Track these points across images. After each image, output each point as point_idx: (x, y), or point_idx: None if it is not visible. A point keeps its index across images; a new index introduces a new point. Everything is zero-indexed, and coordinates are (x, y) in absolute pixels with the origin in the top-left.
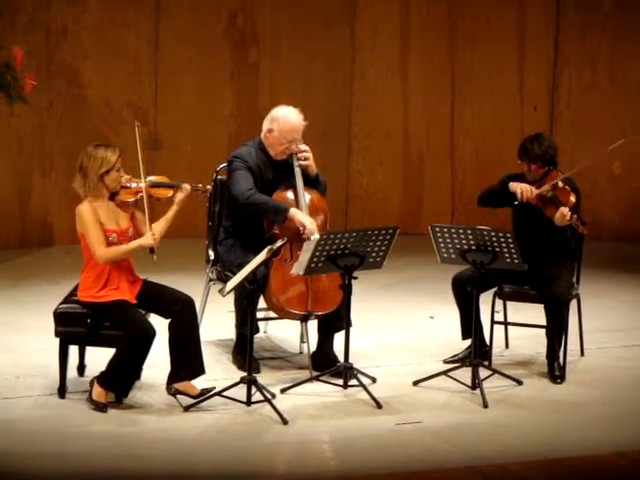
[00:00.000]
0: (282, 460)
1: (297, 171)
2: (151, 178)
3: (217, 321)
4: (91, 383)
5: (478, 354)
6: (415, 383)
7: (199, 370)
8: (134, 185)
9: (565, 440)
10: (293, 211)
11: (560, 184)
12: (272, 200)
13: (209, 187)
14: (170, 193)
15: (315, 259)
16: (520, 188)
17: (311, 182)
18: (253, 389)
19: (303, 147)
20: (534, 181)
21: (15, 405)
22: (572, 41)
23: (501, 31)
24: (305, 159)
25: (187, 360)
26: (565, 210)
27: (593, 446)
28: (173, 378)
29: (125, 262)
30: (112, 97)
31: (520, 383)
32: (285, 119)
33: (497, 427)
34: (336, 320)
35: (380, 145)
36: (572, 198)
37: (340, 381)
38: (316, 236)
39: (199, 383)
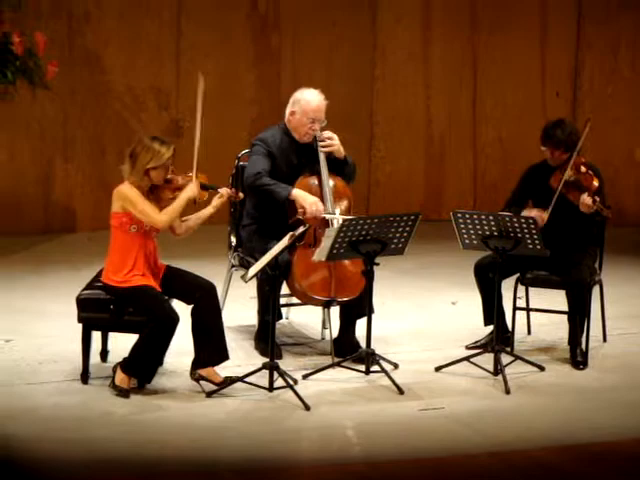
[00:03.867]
0: (304, 446)
1: (321, 157)
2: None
3: (239, 307)
4: (114, 369)
5: (500, 340)
6: (437, 369)
7: (223, 356)
8: (175, 180)
9: (587, 426)
10: (296, 192)
11: (583, 169)
12: (276, 183)
13: (241, 195)
14: (206, 196)
15: (337, 245)
16: (535, 214)
17: (339, 163)
18: (275, 375)
19: (327, 134)
20: (557, 166)
21: (38, 391)
22: (595, 27)
23: (523, 16)
24: (329, 145)
25: (211, 346)
26: (588, 199)
27: (615, 432)
28: (197, 364)
29: (151, 249)
30: (134, 83)
31: (542, 369)
32: (306, 100)
33: (519, 413)
34: (358, 306)
35: (402, 131)
36: (595, 182)
37: (362, 367)
38: (340, 220)
39: (222, 368)
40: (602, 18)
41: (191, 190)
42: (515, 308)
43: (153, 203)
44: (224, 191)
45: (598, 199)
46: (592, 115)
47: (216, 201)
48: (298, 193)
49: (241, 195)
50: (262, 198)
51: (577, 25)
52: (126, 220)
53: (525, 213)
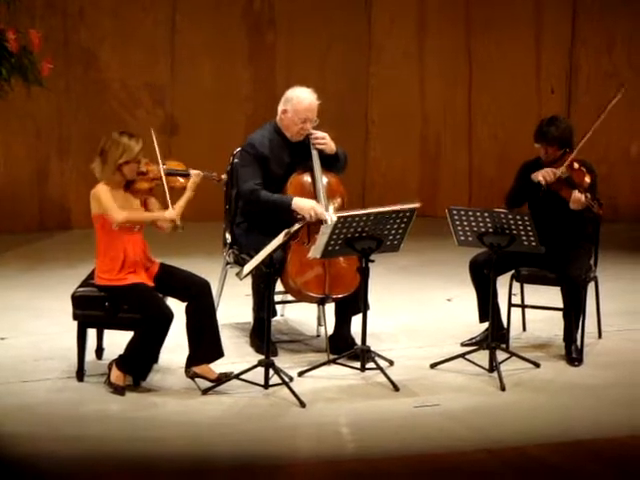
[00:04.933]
0: (300, 443)
1: (314, 154)
2: (163, 166)
3: (234, 304)
4: (109, 366)
5: (495, 337)
6: (432, 366)
7: (218, 353)
8: (150, 171)
9: (582, 422)
10: (295, 202)
11: (575, 165)
12: (273, 197)
13: (224, 176)
14: (182, 181)
15: (332, 242)
16: (542, 175)
17: (331, 158)
18: (271, 372)
19: (320, 134)
20: (550, 163)
21: (33, 388)
22: (590, 24)
23: (518, 13)
24: (322, 144)
25: (205, 343)
26: (579, 195)
27: (610, 428)
28: (192, 361)
29: (141, 246)
30: (129, 80)
31: (537, 366)
32: (298, 99)
33: (514, 410)
34: (353, 303)
35: (397, 129)
36: (587, 179)
37: (357, 364)
38: (333, 218)
39: (217, 366)
40: (597, 15)
41: (169, 213)
42: (510, 305)
43: (133, 196)
44: (195, 173)
45: (589, 195)
46: (626, 87)
47: (190, 184)
48: (296, 203)
49: (224, 177)
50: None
51: (572, 22)
52: (107, 219)
53: (534, 175)
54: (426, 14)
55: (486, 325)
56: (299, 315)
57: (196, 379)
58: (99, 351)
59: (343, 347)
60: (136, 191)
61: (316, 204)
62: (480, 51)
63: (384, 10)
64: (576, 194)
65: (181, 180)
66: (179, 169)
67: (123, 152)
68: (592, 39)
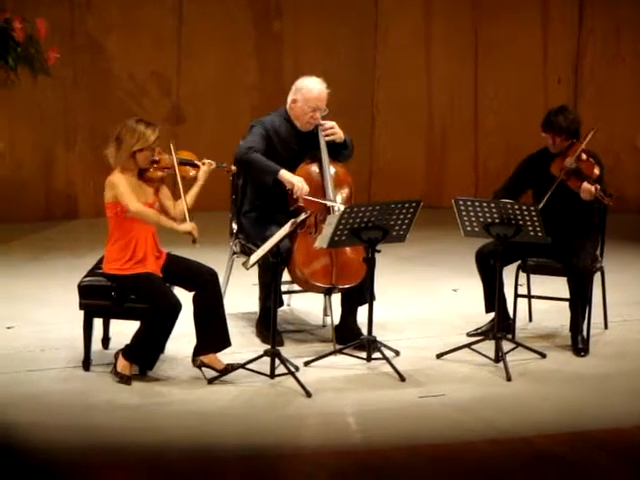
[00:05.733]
0: (306, 432)
1: (322, 144)
2: (176, 156)
3: (241, 294)
4: (116, 356)
5: (501, 327)
6: (438, 356)
7: (225, 342)
8: (162, 159)
9: (588, 413)
10: (282, 172)
11: (584, 156)
12: (265, 161)
13: (234, 167)
14: (193, 172)
15: (338, 232)
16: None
17: (339, 146)
18: (277, 362)
19: (328, 124)
20: (558, 154)
21: (40, 378)
22: (597, 12)
23: (525, 2)
24: (332, 134)
25: (212, 333)
26: (589, 186)
27: (616, 419)
28: (199, 351)
29: (150, 235)
30: (136, 70)
31: (543, 356)
32: (308, 88)
33: (520, 400)
34: (360, 293)
35: (403, 118)
36: (596, 170)
37: (363, 354)
38: (341, 208)
39: (224, 355)
40: (604, 3)
41: (184, 226)
42: (516, 295)
43: (146, 184)
44: (207, 162)
45: (599, 187)
46: (599, 127)
47: (201, 174)
48: (285, 175)
49: (233, 168)
50: (251, 175)
51: (579, 10)
52: (120, 208)
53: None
54: (432, 3)
55: (492, 315)
56: (305, 305)
57: (203, 369)
58: (105, 340)
59: (349, 337)
60: (148, 179)
61: (302, 180)
62: (486, 41)
63: None
64: (586, 185)
65: (193, 170)
66: (191, 159)
67: (138, 139)
68: (599, 28)
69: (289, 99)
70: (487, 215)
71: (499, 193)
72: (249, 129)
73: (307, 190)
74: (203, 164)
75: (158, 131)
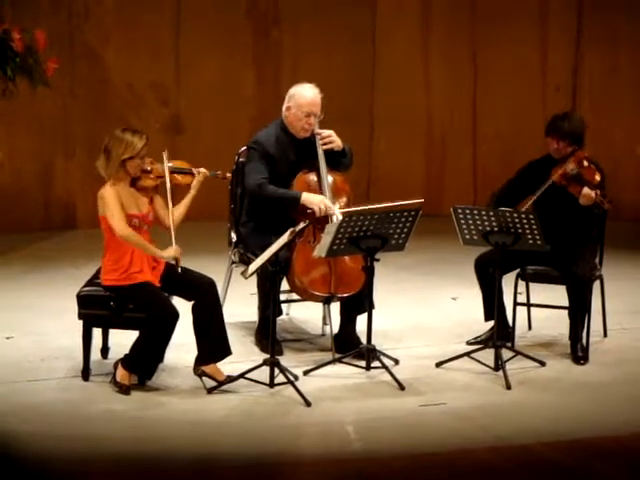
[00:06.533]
0: (305, 442)
1: (320, 153)
2: (170, 164)
3: (240, 303)
4: (115, 365)
5: (501, 335)
6: (438, 365)
7: (225, 352)
8: (155, 169)
9: (587, 420)
10: (305, 196)
11: (585, 163)
12: (280, 191)
13: (229, 175)
14: (188, 179)
15: (337, 241)
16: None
17: (338, 154)
18: (276, 371)
19: (326, 132)
20: (560, 159)
21: (39, 387)
22: (595, 21)
23: (523, 10)
24: (328, 143)
25: (213, 342)
26: (589, 191)
27: (616, 427)
28: (201, 361)
29: (146, 240)
30: (134, 80)
31: (543, 364)
32: (300, 94)
33: (520, 408)
34: (358, 302)
35: (402, 125)
36: (597, 177)
37: (363, 363)
38: (338, 216)
39: (223, 364)
40: (602, 12)
41: (167, 253)
42: (516, 303)
43: (140, 193)
44: (200, 171)
45: (599, 192)
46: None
47: (194, 182)
48: (306, 197)
49: (228, 175)
50: (272, 206)
51: (577, 19)
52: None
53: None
54: (431, 10)
55: (491, 324)
56: (304, 314)
57: (203, 378)
58: (104, 350)
59: (348, 346)
60: (141, 188)
61: (325, 198)
62: (485, 49)
63: (388, 6)
64: (586, 190)
65: (186, 178)
66: (183, 167)
67: (126, 148)
68: (597, 36)
69: (284, 107)
70: (486, 223)
71: (498, 193)
72: (247, 151)
73: (331, 205)
74: (198, 173)
75: (145, 138)
